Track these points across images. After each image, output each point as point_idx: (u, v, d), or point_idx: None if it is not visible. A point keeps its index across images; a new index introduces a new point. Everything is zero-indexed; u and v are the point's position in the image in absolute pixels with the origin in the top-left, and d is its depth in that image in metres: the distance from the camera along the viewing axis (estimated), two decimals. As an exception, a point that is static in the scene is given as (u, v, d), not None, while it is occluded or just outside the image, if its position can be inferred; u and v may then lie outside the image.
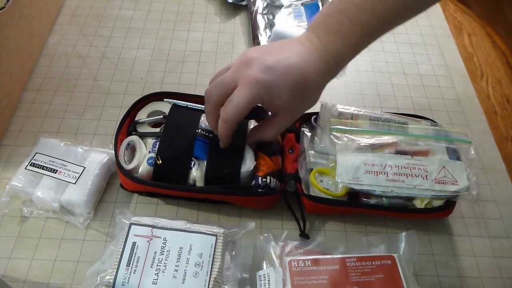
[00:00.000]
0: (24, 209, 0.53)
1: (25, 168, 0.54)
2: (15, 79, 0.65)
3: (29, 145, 0.60)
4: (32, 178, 0.54)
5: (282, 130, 0.53)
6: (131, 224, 0.49)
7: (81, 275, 0.50)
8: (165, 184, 0.53)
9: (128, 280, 0.45)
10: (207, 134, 0.55)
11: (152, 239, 0.48)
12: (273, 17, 0.77)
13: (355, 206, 0.54)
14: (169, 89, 0.64)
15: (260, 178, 0.53)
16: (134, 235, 0.48)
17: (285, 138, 0.58)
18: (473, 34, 0.83)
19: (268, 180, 0.52)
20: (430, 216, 0.55)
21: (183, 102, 0.58)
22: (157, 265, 0.46)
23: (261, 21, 0.76)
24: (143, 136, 0.56)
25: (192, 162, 0.53)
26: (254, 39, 0.75)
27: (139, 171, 0.53)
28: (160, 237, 0.48)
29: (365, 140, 0.56)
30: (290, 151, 0.57)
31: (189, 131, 0.55)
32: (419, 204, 0.53)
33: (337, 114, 0.59)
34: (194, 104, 0.58)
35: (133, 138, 0.56)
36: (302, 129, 0.60)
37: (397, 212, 0.54)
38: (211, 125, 0.52)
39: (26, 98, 0.66)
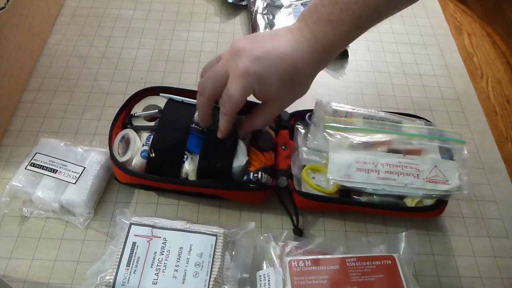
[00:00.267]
0: (24, 209, 0.53)
1: (25, 168, 0.54)
2: (15, 79, 0.65)
3: (29, 145, 0.60)
4: (32, 178, 0.54)
5: (271, 119, 0.54)
6: (131, 224, 0.49)
7: (81, 275, 0.50)
8: (158, 177, 0.53)
9: (128, 280, 0.45)
10: (201, 128, 0.56)
11: (152, 239, 0.48)
12: (273, 17, 0.77)
13: (346, 203, 0.54)
14: (173, 87, 0.64)
15: (251, 173, 0.53)
16: (134, 235, 0.48)
17: (279, 134, 0.59)
18: (473, 34, 0.84)
19: (259, 176, 0.53)
20: (421, 215, 0.55)
21: (179, 97, 0.59)
22: (157, 265, 0.46)
23: (261, 21, 0.76)
24: (137, 129, 0.57)
25: (185, 156, 0.54)
26: (254, 39, 0.75)
27: (133, 164, 0.54)
28: (160, 237, 0.48)
29: (358, 138, 0.57)
30: (283, 147, 0.57)
31: (183, 125, 0.56)
32: (410, 202, 0.53)
33: (332, 112, 0.60)
34: (190, 99, 0.58)
35: (128, 131, 0.56)
36: (297, 126, 0.60)
37: (388, 210, 0.54)
38: (202, 118, 0.53)
39: (26, 98, 0.66)
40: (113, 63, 0.72)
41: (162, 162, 0.54)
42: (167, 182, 0.54)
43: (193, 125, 0.56)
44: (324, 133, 0.57)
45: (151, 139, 0.55)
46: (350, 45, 0.74)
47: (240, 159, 0.54)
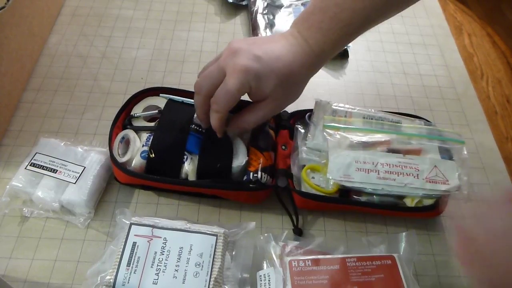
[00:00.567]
0: (24, 209, 0.53)
1: (25, 168, 0.54)
2: (15, 79, 0.65)
3: (29, 145, 0.59)
4: (32, 178, 0.54)
5: (264, 118, 0.53)
6: (131, 224, 0.49)
7: (81, 275, 0.50)
8: (157, 177, 0.53)
9: (129, 280, 0.45)
10: (200, 129, 0.56)
11: (152, 239, 0.48)
12: (274, 17, 0.77)
13: (345, 203, 0.54)
14: (173, 87, 0.64)
15: (251, 173, 0.53)
16: (135, 235, 0.48)
17: (279, 134, 0.59)
18: (473, 34, 0.84)
19: (259, 176, 0.53)
20: (421, 215, 0.55)
21: (179, 97, 0.59)
22: (158, 265, 0.46)
23: (261, 21, 0.76)
24: (137, 130, 0.57)
25: (185, 156, 0.54)
26: (254, 39, 0.75)
27: (132, 164, 0.54)
28: (161, 237, 0.48)
29: (357, 138, 0.57)
30: (283, 147, 0.57)
31: (183, 125, 0.56)
32: (409, 202, 0.53)
33: (331, 112, 0.60)
34: (190, 100, 0.58)
35: (128, 131, 0.56)
36: (296, 125, 0.60)
37: (387, 210, 0.54)
38: (201, 118, 0.53)
39: (26, 98, 0.66)
40: (113, 63, 0.72)
41: (161, 162, 0.54)
42: (167, 183, 0.54)
43: (193, 125, 0.56)
44: (324, 133, 0.57)
45: (151, 140, 0.55)
46: (350, 45, 0.74)
47: (240, 159, 0.54)
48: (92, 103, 0.66)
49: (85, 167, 0.55)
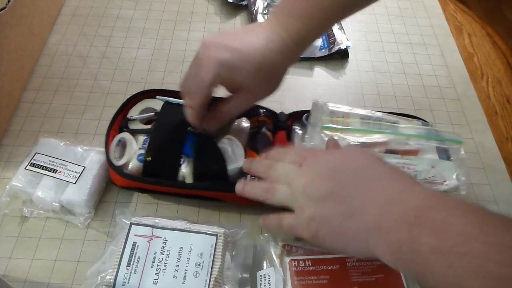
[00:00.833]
0: (24, 209, 0.53)
1: (25, 168, 0.54)
2: (15, 79, 0.65)
3: (29, 145, 0.59)
4: (32, 178, 0.54)
5: (242, 108, 0.53)
6: (131, 224, 0.49)
7: (81, 275, 0.50)
8: (154, 180, 0.53)
9: (129, 280, 0.45)
10: (197, 131, 0.55)
11: (152, 239, 0.48)
12: (273, 17, 0.77)
13: None
14: (170, 89, 0.64)
15: (248, 175, 0.53)
16: (135, 235, 0.48)
17: (276, 136, 0.59)
18: (473, 34, 0.84)
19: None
20: None
21: (176, 100, 0.59)
22: (158, 265, 0.46)
23: (261, 21, 0.76)
24: (134, 132, 0.57)
25: (182, 159, 0.54)
26: (254, 39, 0.75)
27: (129, 167, 0.54)
28: (161, 237, 0.48)
29: (355, 139, 0.57)
30: None
31: (179, 128, 0.55)
32: None
33: (329, 112, 0.60)
34: None
35: (124, 134, 0.56)
36: (294, 127, 0.60)
37: None
38: (191, 120, 0.53)
39: (26, 98, 0.66)
40: (113, 63, 0.72)
41: (158, 165, 0.53)
42: (164, 186, 0.54)
43: (190, 127, 0.55)
44: (322, 134, 0.57)
45: (147, 143, 0.54)
46: (351, 45, 0.74)
47: (237, 162, 0.54)
48: (92, 103, 0.66)
49: (85, 167, 0.55)
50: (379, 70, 0.74)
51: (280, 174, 0.47)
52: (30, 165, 0.54)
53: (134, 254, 0.47)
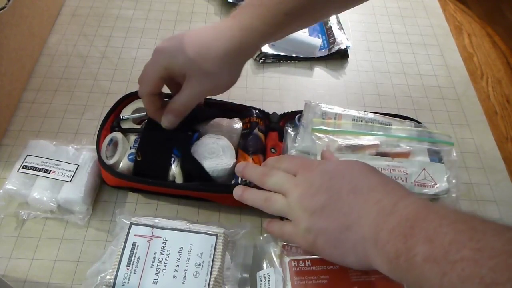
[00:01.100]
0: (21, 212, 0.53)
1: (18, 171, 0.53)
2: (15, 78, 0.65)
3: (29, 145, 0.60)
4: (25, 180, 0.53)
5: (189, 100, 0.51)
6: (131, 224, 0.49)
7: (81, 275, 0.50)
8: (144, 179, 0.53)
9: (128, 280, 0.45)
10: (190, 132, 0.56)
11: (152, 239, 0.48)
12: (273, 17, 0.77)
13: None
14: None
15: (240, 178, 0.53)
16: (134, 235, 0.48)
17: (268, 136, 0.59)
18: (473, 34, 0.84)
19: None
20: None
21: (168, 100, 0.58)
22: (157, 265, 0.46)
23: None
24: (125, 132, 0.57)
25: (172, 159, 0.54)
26: (254, 39, 0.75)
27: (120, 167, 0.54)
28: (160, 237, 0.48)
29: (346, 141, 0.56)
30: (272, 150, 0.57)
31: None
32: None
33: (321, 114, 0.59)
34: None
35: (116, 134, 0.56)
36: (286, 128, 0.60)
37: None
38: (148, 112, 0.54)
39: (26, 98, 0.66)
40: (113, 63, 0.72)
41: (149, 165, 0.53)
42: (154, 185, 0.54)
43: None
44: (312, 137, 0.56)
45: (138, 142, 0.55)
46: (350, 45, 0.74)
47: (226, 161, 0.54)
48: (92, 103, 0.66)
49: (78, 165, 0.55)
50: (379, 70, 0.74)
51: (275, 183, 0.47)
52: (22, 168, 0.53)
53: (134, 254, 0.47)
